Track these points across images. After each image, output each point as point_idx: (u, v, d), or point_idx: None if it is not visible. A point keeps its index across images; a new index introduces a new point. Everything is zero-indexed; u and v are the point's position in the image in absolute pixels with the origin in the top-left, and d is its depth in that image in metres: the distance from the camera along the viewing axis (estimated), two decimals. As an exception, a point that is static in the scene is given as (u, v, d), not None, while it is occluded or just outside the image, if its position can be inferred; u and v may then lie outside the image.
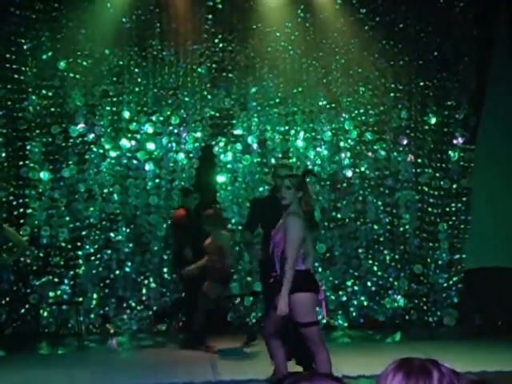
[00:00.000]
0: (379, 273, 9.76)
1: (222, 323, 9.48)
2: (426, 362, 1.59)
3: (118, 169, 9.54)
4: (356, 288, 9.75)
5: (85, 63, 9.51)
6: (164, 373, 6.45)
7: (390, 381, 1.57)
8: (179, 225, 8.53)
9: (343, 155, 9.88)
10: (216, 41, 9.86)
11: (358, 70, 9.91)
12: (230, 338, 8.61)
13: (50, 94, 9.45)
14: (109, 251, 9.44)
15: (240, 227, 9.66)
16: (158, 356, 7.57)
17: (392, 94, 9.97)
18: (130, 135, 9.60)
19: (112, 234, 9.47)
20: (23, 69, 9.33)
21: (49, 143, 9.37)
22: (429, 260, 9.77)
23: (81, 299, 9.02)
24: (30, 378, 6.38)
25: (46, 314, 9.14)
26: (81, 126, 9.43)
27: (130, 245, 9.48)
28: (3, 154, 9.19)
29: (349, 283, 9.74)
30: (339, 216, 9.83)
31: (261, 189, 9.73)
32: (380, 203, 9.87)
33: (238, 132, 9.84)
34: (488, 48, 9.77)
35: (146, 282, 9.53)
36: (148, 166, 9.59)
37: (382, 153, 9.88)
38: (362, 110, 9.95)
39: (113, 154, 9.52)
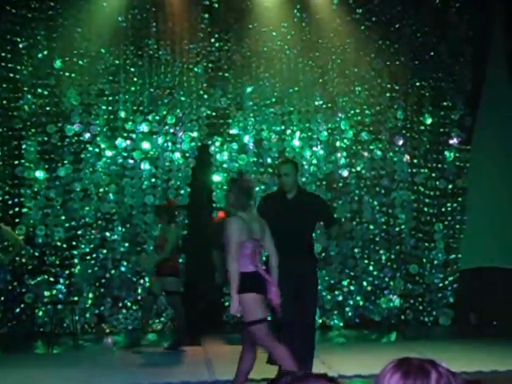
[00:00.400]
0: (375, 273, 9.77)
1: (218, 323, 9.47)
2: (424, 362, 1.58)
3: (114, 168, 9.53)
4: (352, 288, 9.76)
5: (81, 62, 9.49)
6: (160, 373, 6.45)
7: (388, 380, 1.57)
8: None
9: (339, 155, 9.89)
10: (212, 40, 9.85)
11: (354, 69, 9.92)
12: (226, 338, 8.61)
13: (46, 92, 9.43)
14: (104, 251, 9.43)
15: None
16: (153, 356, 7.56)
17: (388, 94, 9.99)
18: (125, 134, 9.58)
19: (108, 234, 9.46)
20: (19, 67, 9.31)
21: (44, 142, 9.35)
22: (424, 260, 9.78)
23: (76, 299, 8.99)
24: (25, 378, 6.36)
25: (41, 313, 9.12)
26: (77, 125, 9.41)
27: (126, 244, 9.47)
28: (-2, 153, 9.17)
29: (345, 283, 9.75)
30: (335, 216, 9.81)
31: (256, 188, 9.71)
32: (376, 203, 9.88)
33: (234, 131, 9.84)
34: (484, 48, 9.79)
35: (141, 281, 9.51)
36: (144, 166, 9.58)
37: (378, 153, 9.90)
38: (358, 110, 9.95)
39: (108, 153, 9.50)
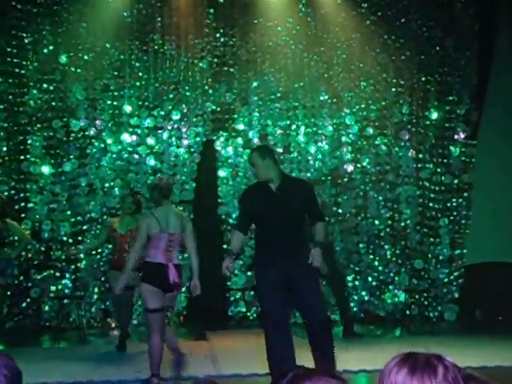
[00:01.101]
0: (380, 268, 9.77)
1: (223, 318, 9.50)
2: (431, 356, 1.59)
3: (119, 163, 9.55)
4: (357, 283, 9.76)
5: (86, 57, 9.50)
6: (165, 367, 6.46)
7: (395, 376, 1.57)
8: None
9: (344, 150, 9.88)
10: (217, 35, 9.85)
11: (359, 64, 9.90)
12: (231, 333, 8.63)
13: (51, 88, 9.45)
14: (110, 245, 9.43)
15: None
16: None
17: (393, 89, 9.97)
18: (131, 129, 9.60)
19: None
20: (24, 63, 9.32)
21: (50, 137, 9.38)
22: (430, 255, 9.77)
23: (82, 293, 9.03)
24: (31, 372, 6.38)
25: (47, 308, 9.16)
26: (82, 120, 9.42)
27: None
28: (4, 149, 9.20)
29: (350, 278, 9.75)
30: (340, 211, 9.83)
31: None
32: (381, 198, 9.87)
33: (239, 127, 9.84)
34: (490, 43, 9.76)
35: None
36: (149, 161, 9.59)
37: (383, 148, 9.88)
38: (363, 105, 9.94)
39: (114, 148, 9.52)
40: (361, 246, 9.80)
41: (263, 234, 5.01)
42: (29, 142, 9.29)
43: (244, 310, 9.61)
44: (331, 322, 5.05)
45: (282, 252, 4.85)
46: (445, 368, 1.56)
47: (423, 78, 9.98)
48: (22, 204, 9.20)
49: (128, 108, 9.58)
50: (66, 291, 9.22)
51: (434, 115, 9.95)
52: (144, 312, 5.56)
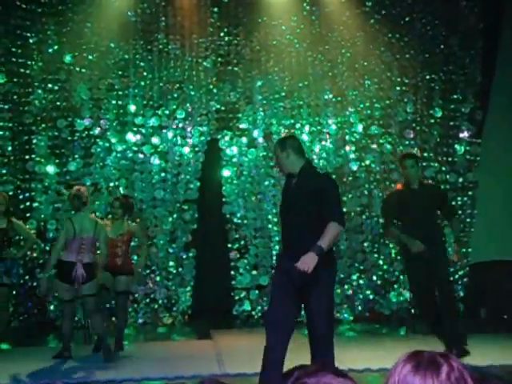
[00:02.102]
0: (385, 266, 9.76)
1: (227, 317, 9.51)
2: (437, 355, 1.59)
3: (124, 162, 9.56)
4: (361, 282, 9.76)
5: (90, 57, 9.52)
6: (170, 366, 6.47)
7: (399, 372, 1.58)
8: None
9: (348, 149, 9.87)
10: (221, 34, 9.86)
11: (363, 63, 9.89)
12: (236, 332, 8.64)
13: (56, 87, 9.47)
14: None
15: (245, 221, 9.69)
16: (163, 349, 7.59)
17: (398, 88, 9.95)
18: (135, 129, 9.61)
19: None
20: (29, 63, 9.34)
21: (55, 137, 9.40)
22: (434, 254, 9.74)
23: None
24: (36, 371, 6.41)
25: (52, 307, 9.17)
26: (87, 120, 9.44)
27: (136, 238, 9.47)
28: (9, 148, 9.22)
29: (354, 277, 9.75)
30: (345, 210, 9.78)
31: (266, 182, 9.74)
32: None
33: (243, 126, 9.84)
34: (494, 41, 9.73)
35: (151, 275, 9.55)
36: (154, 160, 9.61)
37: (388, 146, 9.87)
38: (367, 104, 9.93)
39: (119, 147, 9.54)
40: (365, 244, 9.79)
41: (282, 231, 4.85)
42: (34, 141, 9.31)
43: (249, 308, 9.62)
44: (328, 342, 4.53)
45: (291, 255, 4.42)
46: (449, 367, 1.56)
47: (428, 77, 9.96)
48: (28, 203, 9.22)
49: (132, 107, 9.60)
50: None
51: (439, 114, 9.93)
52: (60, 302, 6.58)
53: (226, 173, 9.79)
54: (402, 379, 1.57)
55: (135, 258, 8.46)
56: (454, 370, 1.56)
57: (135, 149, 9.62)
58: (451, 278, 6.67)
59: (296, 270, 4.21)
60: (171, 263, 9.61)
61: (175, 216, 9.62)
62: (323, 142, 9.90)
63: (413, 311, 9.51)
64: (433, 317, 6.35)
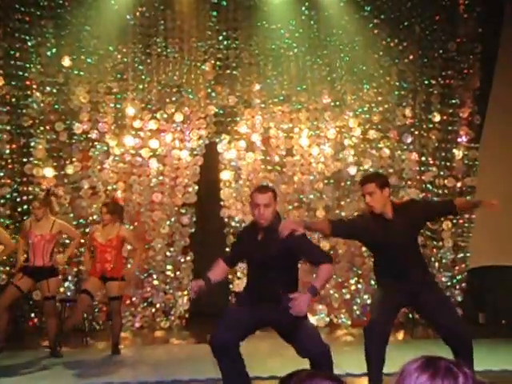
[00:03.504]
0: (383, 271, 9.72)
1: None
2: (451, 363, 1.58)
3: (122, 166, 9.55)
4: (359, 286, 9.74)
5: (89, 60, 9.51)
6: (167, 370, 6.46)
7: (415, 380, 1.56)
8: None
9: (347, 153, 9.86)
10: (220, 38, 9.85)
11: (362, 67, 9.89)
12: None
13: (54, 90, 9.45)
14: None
15: (243, 225, 9.65)
16: (161, 353, 7.57)
17: (396, 92, 9.95)
18: (133, 132, 9.60)
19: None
20: (27, 65, 9.32)
21: (53, 140, 9.37)
22: (433, 259, 9.74)
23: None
24: (33, 374, 6.39)
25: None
26: (85, 123, 9.42)
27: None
28: (7, 151, 9.19)
29: (352, 281, 9.73)
30: (343, 214, 9.81)
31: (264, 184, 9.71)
32: (384, 201, 9.82)
33: (241, 129, 9.83)
34: (493, 46, 9.74)
35: (149, 279, 9.53)
36: (152, 163, 9.59)
37: (386, 151, 9.86)
38: (366, 108, 9.93)
39: (117, 151, 9.52)
40: (363, 249, 9.75)
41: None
42: (31, 144, 9.28)
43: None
44: None
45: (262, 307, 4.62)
46: (465, 376, 1.55)
47: (426, 81, 9.96)
48: (25, 206, 9.18)
49: (131, 111, 9.59)
50: (69, 294, 9.20)
51: (437, 118, 9.92)
52: None
53: (224, 176, 9.77)
54: None
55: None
56: (468, 379, 1.55)
57: (133, 152, 9.60)
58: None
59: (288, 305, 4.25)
60: (169, 267, 9.59)
61: (173, 219, 9.61)
62: (322, 146, 9.89)
63: (410, 315, 9.49)
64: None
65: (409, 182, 9.83)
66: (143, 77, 9.71)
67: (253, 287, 4.79)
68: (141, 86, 9.69)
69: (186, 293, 9.56)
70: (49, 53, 9.41)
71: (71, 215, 9.28)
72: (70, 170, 9.35)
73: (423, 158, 9.92)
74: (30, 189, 9.22)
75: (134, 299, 9.43)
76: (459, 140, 9.96)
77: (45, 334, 7.88)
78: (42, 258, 7.26)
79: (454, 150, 9.93)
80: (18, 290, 7.31)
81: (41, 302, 8.02)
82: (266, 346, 7.21)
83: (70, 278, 9.25)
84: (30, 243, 7.33)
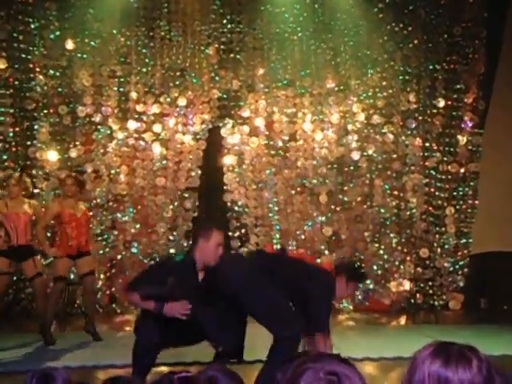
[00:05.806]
0: (385, 256, 9.75)
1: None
2: (464, 348, 1.58)
3: (125, 150, 9.55)
4: (362, 271, 9.74)
5: (92, 43, 9.48)
6: (170, 352, 6.48)
7: (428, 367, 1.56)
8: None
9: (351, 138, 9.84)
10: (224, 22, 9.80)
11: (366, 52, 9.84)
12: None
13: (58, 73, 9.43)
14: (115, 232, 9.47)
15: (246, 209, 9.68)
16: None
17: (401, 77, 9.91)
18: (137, 116, 9.58)
19: (119, 215, 9.49)
20: (31, 48, 9.30)
21: (56, 123, 9.37)
22: (435, 244, 9.76)
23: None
24: (38, 356, 6.44)
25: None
26: (88, 106, 9.41)
27: (137, 226, 9.50)
28: (11, 134, 9.19)
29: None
30: (346, 199, 9.82)
31: (267, 171, 9.72)
32: (387, 187, 9.84)
33: (245, 114, 9.80)
34: (498, 31, 9.68)
35: (152, 263, 9.55)
36: (155, 147, 9.59)
37: (390, 136, 9.83)
38: (370, 93, 9.89)
39: (120, 134, 9.51)
40: (366, 234, 9.78)
41: None
42: (35, 127, 9.28)
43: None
44: None
45: None
46: (479, 360, 1.55)
47: (431, 66, 9.91)
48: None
49: (134, 94, 9.57)
50: (72, 276, 9.22)
51: (442, 103, 9.88)
52: None
53: (227, 161, 9.76)
54: (433, 373, 1.55)
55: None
56: (483, 362, 1.55)
57: (136, 136, 9.59)
58: None
59: None
60: (172, 251, 9.61)
61: (176, 204, 9.62)
62: (325, 131, 9.87)
63: (412, 301, 9.52)
64: None
65: (412, 168, 9.81)
66: (147, 60, 9.68)
67: None
68: (144, 70, 9.66)
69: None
70: (52, 36, 9.38)
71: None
72: (73, 153, 9.35)
73: (427, 144, 9.90)
74: (34, 172, 9.22)
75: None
76: (463, 126, 9.93)
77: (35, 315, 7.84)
78: (25, 236, 7.21)
79: (458, 136, 9.91)
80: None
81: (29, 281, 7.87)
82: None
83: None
84: (10, 224, 7.15)
